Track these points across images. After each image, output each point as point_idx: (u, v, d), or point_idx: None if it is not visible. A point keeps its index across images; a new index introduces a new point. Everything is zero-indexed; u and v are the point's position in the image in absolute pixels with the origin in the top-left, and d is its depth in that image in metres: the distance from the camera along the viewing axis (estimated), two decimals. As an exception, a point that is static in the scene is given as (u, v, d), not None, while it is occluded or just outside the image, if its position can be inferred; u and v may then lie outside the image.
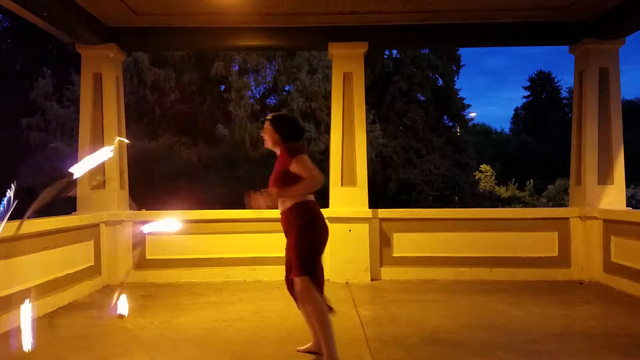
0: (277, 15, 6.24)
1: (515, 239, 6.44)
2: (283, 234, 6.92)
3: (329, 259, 6.43)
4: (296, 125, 3.57)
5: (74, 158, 6.94)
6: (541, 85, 42.73)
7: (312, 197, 3.46)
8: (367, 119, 11.86)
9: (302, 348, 3.70)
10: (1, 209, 2.82)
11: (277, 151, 3.51)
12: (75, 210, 6.38)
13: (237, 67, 17.13)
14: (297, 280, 3.25)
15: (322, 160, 15.70)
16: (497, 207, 21.97)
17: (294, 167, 3.29)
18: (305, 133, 3.32)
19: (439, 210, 7.38)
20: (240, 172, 15.61)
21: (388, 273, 6.46)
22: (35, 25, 5.83)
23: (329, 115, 7.06)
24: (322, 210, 6.74)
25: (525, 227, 6.48)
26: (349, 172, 6.51)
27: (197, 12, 6.16)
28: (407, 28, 6.50)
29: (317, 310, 3.26)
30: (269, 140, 3.51)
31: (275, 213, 7.28)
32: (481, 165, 28.32)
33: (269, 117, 3.56)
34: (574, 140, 6.74)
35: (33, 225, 4.95)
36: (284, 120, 3.54)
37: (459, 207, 19.78)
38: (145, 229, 4.09)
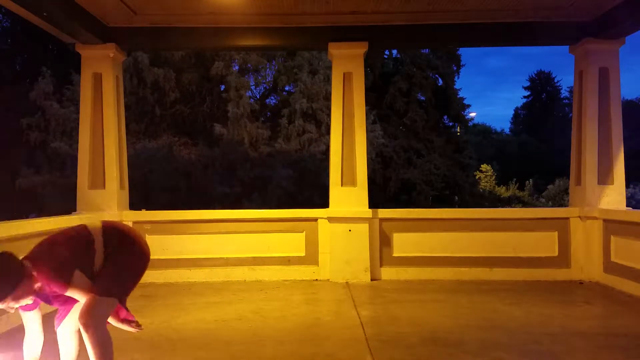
0: (277, 15, 6.24)
1: (515, 239, 6.44)
2: (283, 234, 6.95)
3: (329, 259, 6.44)
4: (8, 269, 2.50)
5: (74, 158, 6.95)
6: (541, 85, 42.77)
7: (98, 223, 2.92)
8: (367, 119, 11.86)
9: None
10: None
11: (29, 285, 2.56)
12: (75, 210, 6.38)
13: (237, 67, 17.11)
14: (101, 300, 2.66)
15: (322, 160, 15.70)
16: (497, 207, 21.96)
17: (74, 294, 2.65)
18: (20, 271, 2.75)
19: (439, 210, 7.38)
20: (240, 172, 15.60)
21: (388, 273, 6.46)
22: (35, 25, 5.83)
23: (329, 115, 7.06)
24: (322, 210, 6.81)
25: (525, 227, 6.48)
26: (349, 172, 6.51)
27: (197, 12, 6.17)
28: (407, 28, 6.50)
29: (106, 339, 2.70)
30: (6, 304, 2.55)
31: (275, 213, 7.27)
32: (481, 165, 28.33)
33: None
34: (574, 140, 6.74)
35: (33, 225, 4.95)
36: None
37: (459, 207, 19.78)
38: None
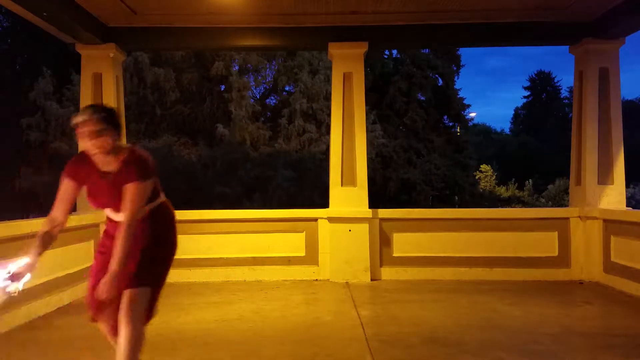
0: (276, 15, 6.24)
1: (515, 239, 6.44)
2: (283, 234, 6.94)
3: (329, 259, 6.44)
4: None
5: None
6: (541, 85, 42.76)
7: (163, 198, 2.91)
8: (367, 119, 11.86)
9: None
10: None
11: (107, 158, 2.60)
12: (75, 210, 6.38)
13: (237, 67, 17.12)
14: (132, 292, 2.57)
15: (322, 160, 15.72)
16: (497, 207, 21.96)
17: (129, 188, 2.55)
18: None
19: (439, 210, 7.39)
20: (240, 172, 15.61)
21: (388, 273, 6.45)
22: (35, 25, 5.83)
23: (329, 115, 7.06)
24: (322, 210, 6.81)
25: (525, 227, 6.48)
26: (349, 172, 6.50)
27: (197, 12, 6.16)
28: (407, 28, 6.50)
29: (141, 336, 2.62)
30: (100, 142, 2.53)
31: (275, 213, 7.26)
32: (481, 165, 28.33)
33: (93, 110, 2.57)
34: (574, 140, 6.74)
35: (32, 225, 4.95)
36: (109, 110, 2.64)
37: (459, 207, 19.78)
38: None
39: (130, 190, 2.56)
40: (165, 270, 2.79)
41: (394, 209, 6.96)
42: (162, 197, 2.88)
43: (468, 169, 24.79)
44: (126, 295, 2.57)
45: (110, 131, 2.55)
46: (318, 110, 17.01)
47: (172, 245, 2.86)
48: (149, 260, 2.65)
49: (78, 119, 2.53)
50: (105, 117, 2.55)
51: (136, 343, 2.57)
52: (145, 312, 2.64)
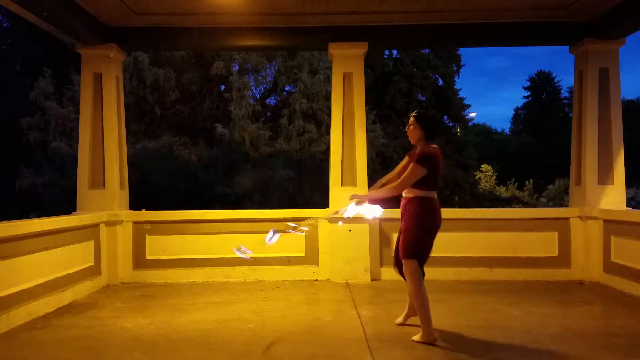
0: (277, 15, 6.24)
1: (515, 239, 6.44)
2: (283, 234, 6.93)
3: (329, 259, 6.44)
4: (438, 125, 4.10)
5: (74, 158, 6.96)
6: (541, 85, 42.71)
7: (434, 195, 3.93)
8: (367, 119, 11.87)
9: (399, 320, 4.40)
10: None
11: (417, 147, 3.95)
12: (75, 210, 6.38)
13: (237, 67, 17.10)
14: (404, 262, 3.96)
15: (322, 160, 15.70)
16: (497, 207, 21.93)
17: (410, 167, 3.82)
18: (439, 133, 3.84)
19: (439, 210, 7.35)
20: (240, 172, 15.59)
21: (388, 273, 6.44)
22: (35, 25, 5.83)
23: (329, 115, 7.07)
24: (322, 210, 6.80)
25: (525, 227, 6.48)
26: (349, 172, 6.50)
27: (196, 12, 6.17)
28: (407, 28, 6.50)
29: (417, 291, 3.93)
30: (412, 136, 3.97)
31: (275, 213, 7.29)
32: (482, 165, 28.30)
33: (414, 113, 4.00)
34: (574, 140, 6.74)
35: (33, 225, 4.95)
36: (428, 118, 3.96)
37: (459, 207, 19.75)
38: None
39: (408, 168, 3.84)
40: (428, 246, 4.02)
41: (393, 209, 6.93)
42: (434, 195, 3.93)
43: (468, 169, 24.74)
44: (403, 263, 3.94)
45: (415, 127, 3.92)
46: (318, 110, 16.97)
47: (434, 229, 3.99)
48: (417, 239, 3.91)
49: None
50: (416, 117, 3.95)
51: (417, 295, 3.96)
52: (412, 274, 3.96)
